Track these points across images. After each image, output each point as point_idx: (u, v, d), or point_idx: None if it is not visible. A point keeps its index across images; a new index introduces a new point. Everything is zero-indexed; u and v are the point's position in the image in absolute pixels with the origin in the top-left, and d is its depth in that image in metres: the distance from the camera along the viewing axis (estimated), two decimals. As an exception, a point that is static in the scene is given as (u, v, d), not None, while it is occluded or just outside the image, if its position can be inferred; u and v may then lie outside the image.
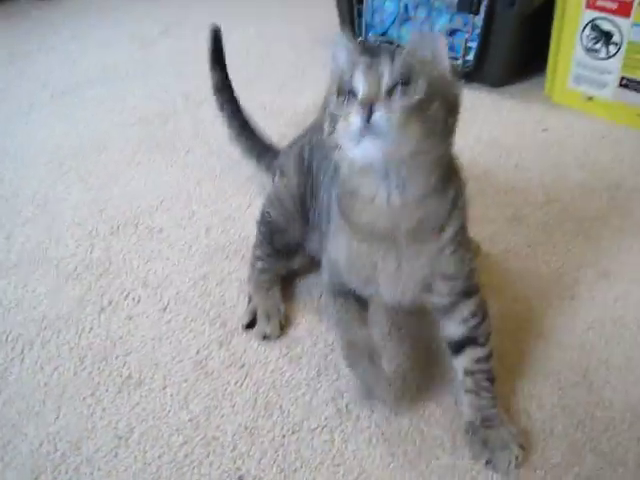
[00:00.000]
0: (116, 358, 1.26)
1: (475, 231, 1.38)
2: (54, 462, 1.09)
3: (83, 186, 1.77)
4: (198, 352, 1.26)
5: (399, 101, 0.86)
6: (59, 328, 1.32)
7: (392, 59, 0.89)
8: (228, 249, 1.52)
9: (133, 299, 1.39)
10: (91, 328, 1.32)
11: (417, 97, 0.87)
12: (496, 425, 1.08)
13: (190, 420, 1.15)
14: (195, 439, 1.12)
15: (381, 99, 0.86)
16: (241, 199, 1.69)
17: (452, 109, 0.93)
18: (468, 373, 1.11)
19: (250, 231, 1.46)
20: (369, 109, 0.84)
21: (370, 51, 0.93)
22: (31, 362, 1.26)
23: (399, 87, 0.87)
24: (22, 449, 1.11)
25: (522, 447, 1.07)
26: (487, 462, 1.06)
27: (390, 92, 0.87)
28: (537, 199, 1.68)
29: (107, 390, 1.21)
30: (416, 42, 0.94)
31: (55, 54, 2.65)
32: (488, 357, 1.12)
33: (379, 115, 0.84)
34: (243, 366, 1.23)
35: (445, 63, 0.94)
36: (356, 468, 1.07)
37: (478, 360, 1.11)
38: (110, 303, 1.38)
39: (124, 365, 1.25)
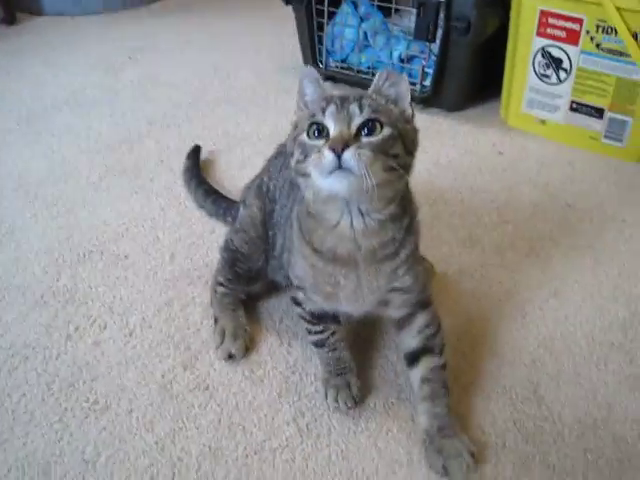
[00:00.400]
0: (83, 384, 1.29)
1: (430, 253, 1.45)
2: (21, 486, 1.11)
3: (49, 213, 1.79)
4: (163, 376, 1.30)
5: (366, 140, 0.97)
6: (26, 355, 1.35)
7: (360, 103, 0.99)
8: (192, 274, 1.56)
9: (99, 325, 1.42)
10: (58, 355, 1.35)
11: (382, 137, 0.97)
12: (451, 435, 1.14)
13: (156, 443, 1.18)
14: (161, 461, 1.15)
15: (351, 140, 0.95)
16: (205, 225, 1.73)
17: (412, 146, 1.03)
18: (425, 381, 1.19)
19: (214, 256, 1.51)
20: (340, 148, 0.93)
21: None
22: (-1, 390, 1.29)
23: (367, 127, 0.97)
24: (-10, 474, 1.14)
25: (473, 455, 1.12)
26: (442, 471, 1.12)
27: (358, 131, 0.97)
28: (491, 220, 1.75)
29: (74, 416, 1.23)
30: (382, 80, 1.05)
31: (23, 79, 2.68)
32: (443, 366, 1.21)
33: (349, 155, 0.93)
34: (207, 388, 1.27)
35: (407, 103, 1.04)
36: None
37: (434, 369, 1.19)
38: (77, 330, 1.41)
39: (91, 390, 1.28)
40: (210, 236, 1.68)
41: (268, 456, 1.16)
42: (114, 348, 1.36)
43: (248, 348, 1.35)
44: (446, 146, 2.11)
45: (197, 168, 1.89)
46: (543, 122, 2.16)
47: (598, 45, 1.92)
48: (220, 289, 1.41)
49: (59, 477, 1.13)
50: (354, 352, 1.30)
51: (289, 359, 1.34)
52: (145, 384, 1.29)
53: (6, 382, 1.30)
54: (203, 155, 1.99)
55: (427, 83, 2.27)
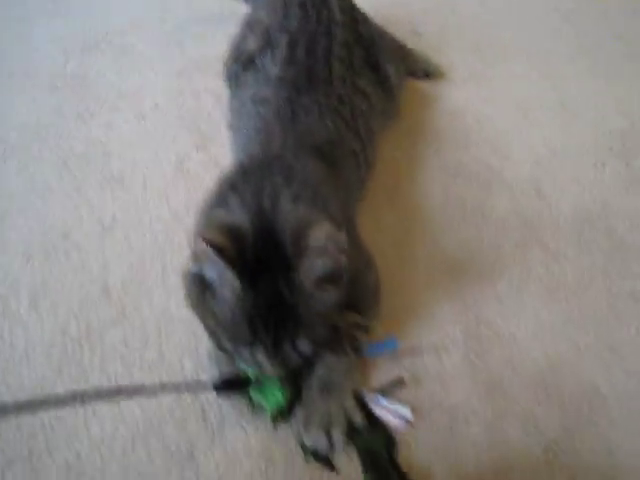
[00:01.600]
0: (97, 159, 1.31)
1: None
2: (45, 247, 1.16)
3: (54, 7, 1.74)
4: (177, 155, 1.32)
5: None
6: (40, 134, 1.36)
7: (294, 344, 0.85)
8: (202, 65, 1.54)
9: (110, 108, 1.42)
10: (71, 134, 1.36)
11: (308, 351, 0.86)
12: None
13: (170, 212, 1.22)
14: (175, 229, 1.19)
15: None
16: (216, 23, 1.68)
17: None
18: None
19: (224, 48, 1.47)
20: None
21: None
22: (14, 164, 1.31)
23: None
24: (12, 236, 1.18)
25: None
26: None
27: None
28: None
29: (90, 188, 1.26)
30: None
31: None
32: None
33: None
34: (218, 166, 1.29)
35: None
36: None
37: None
38: (88, 111, 1.41)
39: (105, 166, 1.30)
40: (220, 25, 1.63)
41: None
42: (127, 129, 1.37)
43: None
44: None
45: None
46: None
47: None
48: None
49: (79, 239, 1.17)
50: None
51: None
52: (159, 162, 1.30)
53: (21, 158, 1.32)
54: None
55: None
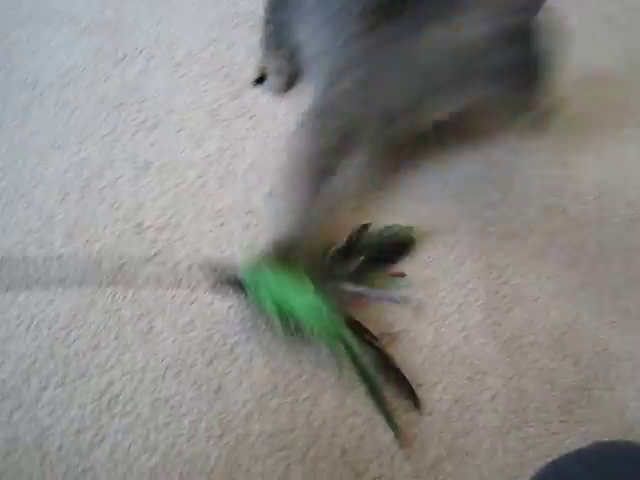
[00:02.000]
0: (132, 104, 1.33)
1: None
2: (80, 185, 1.19)
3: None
4: (211, 103, 1.33)
5: None
6: (76, 76, 1.38)
7: None
8: (237, 19, 1.55)
9: (146, 55, 1.43)
10: (107, 77, 1.37)
11: None
12: None
13: (203, 158, 1.24)
14: (209, 173, 1.21)
15: None
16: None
17: None
18: None
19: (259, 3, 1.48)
20: None
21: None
22: (50, 103, 1.32)
23: None
24: (48, 174, 1.20)
25: None
26: None
27: None
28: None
29: (124, 131, 1.28)
30: None
31: None
32: None
33: None
34: (253, 116, 1.31)
35: None
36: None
37: None
38: (124, 57, 1.42)
39: (140, 110, 1.32)
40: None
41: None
42: (162, 75, 1.38)
43: (291, 84, 1.37)
44: None
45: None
46: None
47: None
48: (269, 26, 1.40)
49: (114, 179, 1.20)
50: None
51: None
52: (193, 109, 1.32)
53: (58, 97, 1.33)
54: None
55: None
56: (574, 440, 0.94)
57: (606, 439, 0.91)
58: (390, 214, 1.16)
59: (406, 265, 1.10)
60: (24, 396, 0.93)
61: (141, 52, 1.43)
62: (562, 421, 0.96)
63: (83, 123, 1.29)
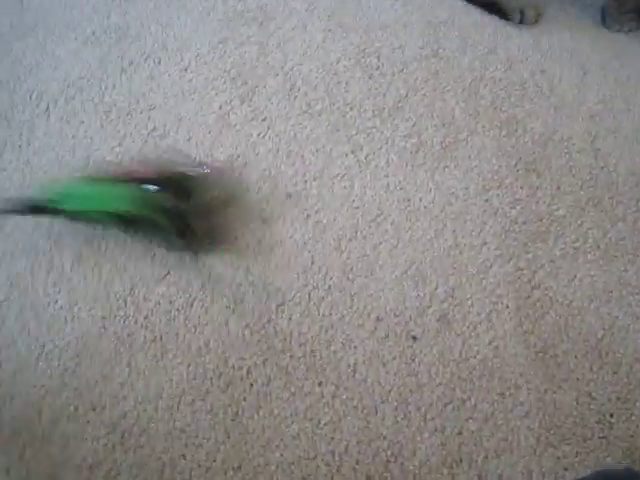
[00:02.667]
0: (140, 113, 1.28)
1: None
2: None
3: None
4: (221, 107, 1.28)
5: None
6: (82, 86, 1.34)
7: None
8: (246, 16, 1.49)
9: (153, 60, 1.38)
10: (114, 86, 1.33)
11: None
12: None
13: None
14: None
15: None
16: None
17: None
18: None
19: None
20: None
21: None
22: (57, 117, 1.28)
23: None
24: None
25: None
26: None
27: None
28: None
29: (133, 141, 1.24)
30: None
31: None
32: None
33: None
34: (265, 120, 1.26)
35: None
36: (374, 210, 1.13)
37: None
38: (131, 64, 1.38)
39: (149, 119, 1.27)
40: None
41: (327, 182, 1.16)
42: (170, 81, 1.34)
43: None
44: None
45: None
46: None
47: None
48: None
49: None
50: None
51: (346, 97, 1.30)
52: (202, 115, 1.27)
53: (64, 110, 1.29)
54: None
55: None
56: (615, 457, 0.88)
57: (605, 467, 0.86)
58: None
59: (427, 272, 1.04)
60: (36, 430, 0.90)
61: (147, 58, 1.39)
62: (601, 437, 0.90)
63: (90, 135, 1.25)
